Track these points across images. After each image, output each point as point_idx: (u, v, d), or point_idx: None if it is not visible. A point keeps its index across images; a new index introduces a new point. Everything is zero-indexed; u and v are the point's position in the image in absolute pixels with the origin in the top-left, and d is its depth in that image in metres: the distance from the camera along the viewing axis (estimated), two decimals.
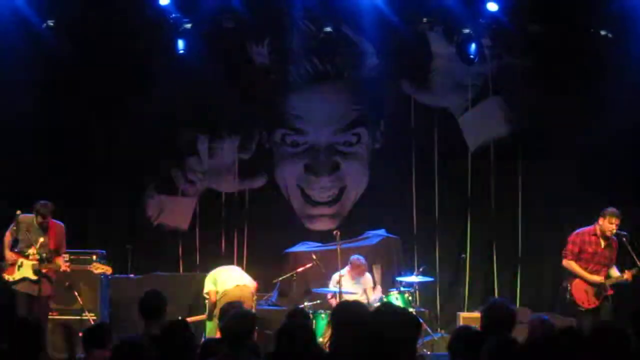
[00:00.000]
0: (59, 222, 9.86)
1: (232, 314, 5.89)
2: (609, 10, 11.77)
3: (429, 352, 10.23)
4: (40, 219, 9.58)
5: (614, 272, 9.80)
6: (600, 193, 11.66)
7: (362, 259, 10.84)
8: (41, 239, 9.53)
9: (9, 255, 9.57)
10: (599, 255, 9.72)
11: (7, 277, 9.55)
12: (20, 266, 9.52)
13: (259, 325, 10.33)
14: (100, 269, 10.02)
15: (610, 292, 9.71)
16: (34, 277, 9.45)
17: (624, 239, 9.68)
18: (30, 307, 9.44)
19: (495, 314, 5.31)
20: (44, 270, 9.48)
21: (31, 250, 9.48)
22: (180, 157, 12.98)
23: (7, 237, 9.64)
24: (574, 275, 9.74)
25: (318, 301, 10.78)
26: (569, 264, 9.75)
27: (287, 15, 12.52)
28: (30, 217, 9.60)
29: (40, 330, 5.58)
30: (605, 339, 4.60)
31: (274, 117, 13.12)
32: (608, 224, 9.59)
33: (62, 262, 9.77)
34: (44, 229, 9.65)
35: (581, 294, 9.68)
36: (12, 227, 9.60)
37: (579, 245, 9.72)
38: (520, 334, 5.51)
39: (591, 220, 9.89)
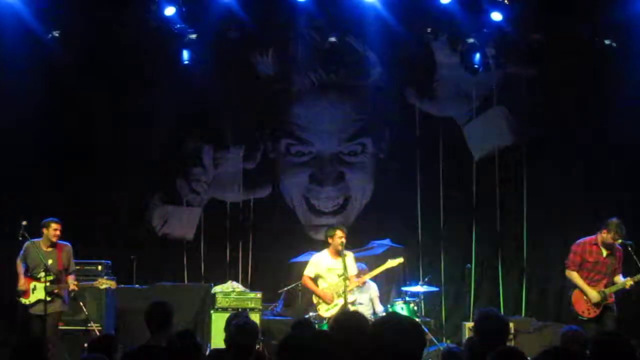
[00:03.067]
0: (66, 242, 10.10)
1: (234, 325, 5.88)
2: (612, 19, 11.77)
3: None
4: (52, 232, 9.83)
5: (619, 280, 9.74)
6: (605, 200, 11.64)
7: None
8: (50, 261, 9.75)
9: (23, 280, 9.84)
10: (600, 264, 9.67)
11: (24, 301, 9.84)
12: (34, 289, 9.79)
13: (265, 335, 10.42)
14: (105, 284, 10.19)
15: (611, 300, 9.66)
16: (48, 298, 9.62)
17: (630, 248, 9.64)
18: (43, 327, 9.57)
19: (489, 326, 5.25)
20: (55, 291, 9.73)
21: (42, 273, 9.67)
22: (185, 167, 13.00)
23: (19, 265, 9.92)
24: (575, 285, 9.72)
25: None
26: (571, 274, 9.74)
27: (291, 25, 12.53)
28: (37, 241, 9.84)
29: (44, 350, 5.54)
30: (607, 351, 4.58)
31: (279, 127, 13.13)
32: (611, 239, 9.55)
33: (72, 282, 9.97)
34: (53, 247, 9.88)
35: (581, 304, 9.63)
36: (22, 254, 9.87)
37: (580, 255, 9.69)
38: (528, 342, 5.47)
39: (597, 228, 9.87)
